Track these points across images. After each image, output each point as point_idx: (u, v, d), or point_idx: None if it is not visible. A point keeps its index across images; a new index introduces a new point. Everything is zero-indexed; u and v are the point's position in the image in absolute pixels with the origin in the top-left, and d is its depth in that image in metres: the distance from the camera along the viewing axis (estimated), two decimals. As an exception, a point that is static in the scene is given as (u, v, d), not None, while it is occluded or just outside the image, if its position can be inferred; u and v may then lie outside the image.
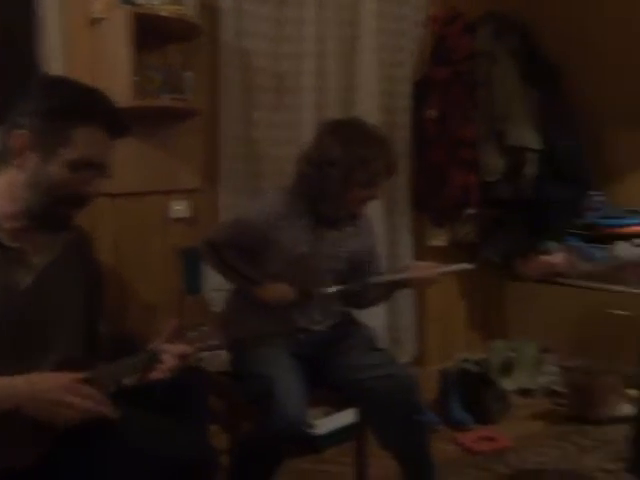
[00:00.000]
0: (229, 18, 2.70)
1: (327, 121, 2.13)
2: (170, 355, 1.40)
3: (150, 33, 2.44)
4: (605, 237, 3.23)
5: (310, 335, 2.09)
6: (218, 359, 2.12)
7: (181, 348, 1.42)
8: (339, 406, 2.56)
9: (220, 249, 2.06)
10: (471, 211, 3.29)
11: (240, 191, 2.83)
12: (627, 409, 2.81)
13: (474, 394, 2.91)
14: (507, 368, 3.22)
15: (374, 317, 3.03)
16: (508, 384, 3.17)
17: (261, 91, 2.81)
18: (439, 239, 3.38)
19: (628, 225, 3.23)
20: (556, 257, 3.37)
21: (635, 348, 2.22)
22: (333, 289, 2.06)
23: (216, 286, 2.43)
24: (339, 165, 1.93)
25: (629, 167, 3.42)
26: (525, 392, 3.15)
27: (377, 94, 3.08)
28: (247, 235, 2.02)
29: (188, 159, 2.75)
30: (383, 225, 3.21)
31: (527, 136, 3.20)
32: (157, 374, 1.39)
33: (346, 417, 2.53)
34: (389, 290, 2.19)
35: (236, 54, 2.73)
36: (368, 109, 3.03)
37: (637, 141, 3.36)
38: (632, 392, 2.87)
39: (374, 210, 3.12)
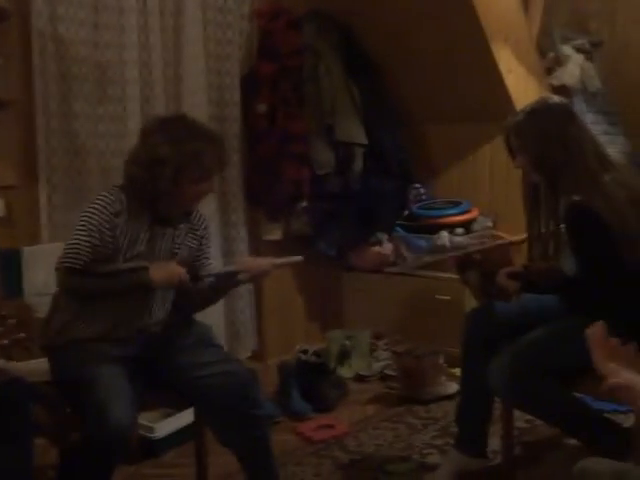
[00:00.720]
0: (40, 2, 2.55)
1: (151, 119, 2.09)
2: None
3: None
4: (429, 227, 3.43)
5: (145, 336, 2.04)
6: (40, 368, 2.01)
7: None
8: (178, 407, 2.51)
9: (83, 267, 1.90)
10: (304, 205, 3.35)
11: (64, 188, 2.70)
12: (452, 387, 3.01)
13: (312, 384, 2.97)
14: (344, 356, 3.33)
15: (212, 314, 3.00)
16: (345, 372, 3.28)
17: (81, 81, 2.69)
18: (274, 233, 3.42)
19: (448, 215, 3.45)
20: (386, 248, 3.53)
21: (457, 330, 2.38)
22: (212, 278, 2.05)
23: (38, 290, 2.30)
24: (169, 163, 1.88)
25: (446, 161, 3.67)
26: (361, 378, 3.27)
27: (205, 87, 3.05)
28: (102, 239, 1.91)
29: (1, 153, 2.57)
30: (217, 221, 3.19)
31: (354, 131, 3.32)
32: None
33: (185, 417, 2.49)
34: (223, 286, 2.18)
35: (51, 41, 2.59)
36: (196, 102, 3.00)
37: (452, 136, 3.60)
38: (456, 371, 3.08)
39: (207, 206, 3.11)
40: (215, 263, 2.26)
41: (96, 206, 1.93)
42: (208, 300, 2.18)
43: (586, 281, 1.98)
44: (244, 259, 2.17)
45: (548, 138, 2.02)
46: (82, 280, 1.92)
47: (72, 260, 1.90)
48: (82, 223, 1.92)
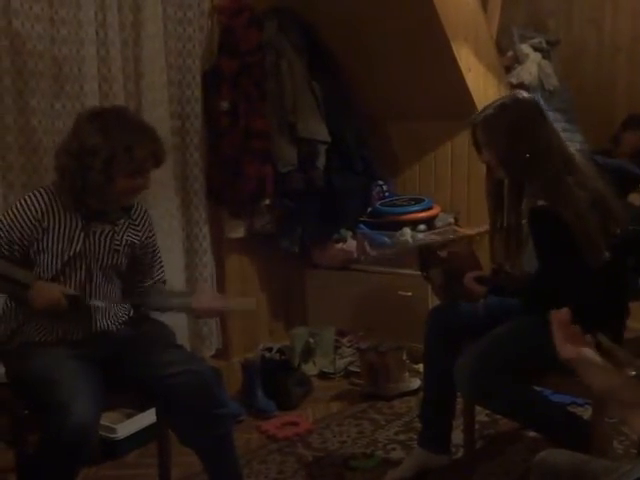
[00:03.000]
0: (-6, -4, 2.49)
1: (86, 110, 2.06)
2: None
3: None
4: (391, 224, 3.45)
5: (103, 336, 2.01)
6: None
7: None
8: (140, 407, 2.49)
9: None
10: (267, 202, 3.34)
11: (20, 186, 2.63)
12: (415, 383, 3.04)
13: (276, 381, 2.97)
14: (308, 354, 3.33)
15: (174, 314, 2.98)
16: (309, 369, 3.28)
17: (38, 77, 2.62)
18: (237, 231, 3.39)
19: (411, 212, 3.48)
20: (349, 245, 3.54)
21: (420, 326, 2.40)
22: (101, 303, 1.99)
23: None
24: (100, 153, 1.85)
25: (409, 158, 3.69)
26: (325, 375, 3.27)
27: (165, 84, 3.01)
28: (13, 237, 1.90)
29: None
30: (179, 219, 3.16)
31: (316, 128, 3.31)
32: None
33: (148, 418, 2.46)
34: (169, 310, 2.16)
35: (5, 36, 2.53)
36: (156, 99, 2.96)
37: (413, 134, 3.63)
38: (419, 367, 3.11)
39: (169, 204, 3.09)
40: (167, 252, 2.23)
41: (22, 201, 1.92)
42: (156, 309, 2.18)
43: (547, 280, 2.00)
44: (201, 295, 2.13)
45: (516, 135, 2.01)
46: None
47: None
48: (2, 214, 1.92)
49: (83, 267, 1.96)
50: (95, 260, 1.98)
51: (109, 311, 2.03)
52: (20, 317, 1.96)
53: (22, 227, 1.90)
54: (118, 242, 2.01)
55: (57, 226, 1.92)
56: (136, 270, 2.10)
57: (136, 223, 2.07)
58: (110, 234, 2.00)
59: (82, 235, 1.95)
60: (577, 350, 1.22)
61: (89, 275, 1.98)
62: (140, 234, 2.07)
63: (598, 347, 1.27)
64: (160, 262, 2.18)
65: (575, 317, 1.33)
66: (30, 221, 1.91)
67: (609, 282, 1.98)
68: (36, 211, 1.91)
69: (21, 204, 1.93)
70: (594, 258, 1.92)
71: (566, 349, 1.23)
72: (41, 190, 1.95)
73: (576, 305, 1.40)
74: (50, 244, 1.92)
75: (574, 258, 1.93)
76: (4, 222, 1.91)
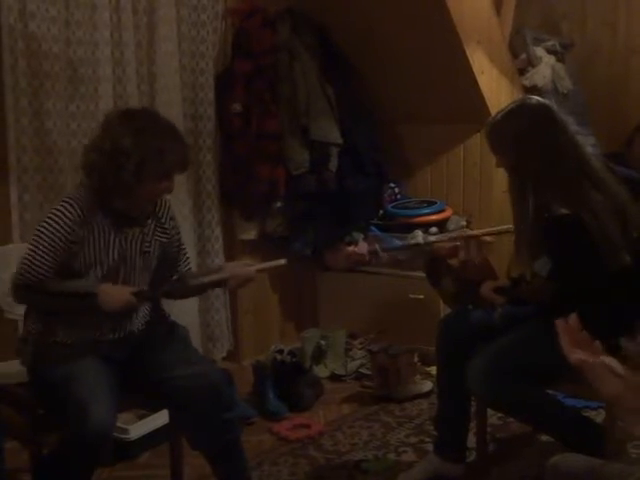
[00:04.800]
0: (10, -2, 2.51)
1: (116, 110, 2.06)
2: None
3: None
4: (403, 227, 3.44)
5: (127, 336, 2.01)
6: (11, 370, 1.99)
7: None
8: (153, 408, 2.50)
9: (38, 284, 1.87)
10: (279, 204, 3.35)
11: (36, 187, 2.66)
12: (427, 386, 3.04)
13: (288, 383, 2.97)
14: (319, 356, 3.33)
15: (187, 315, 3.00)
16: (320, 371, 3.28)
17: (53, 79, 2.65)
18: (249, 233, 3.41)
19: (423, 215, 3.48)
20: (361, 247, 3.54)
21: (431, 328, 2.39)
22: (162, 289, 2.03)
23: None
24: (133, 155, 1.85)
25: (421, 160, 3.69)
26: (336, 377, 3.27)
27: (179, 85, 3.03)
28: (56, 257, 1.88)
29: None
30: (192, 220, 3.17)
31: (329, 131, 3.31)
32: None
33: (160, 419, 2.47)
34: (203, 289, 2.18)
35: (21, 38, 2.55)
36: (170, 100, 2.98)
37: (426, 137, 3.62)
38: (430, 369, 3.10)
39: (182, 206, 3.10)
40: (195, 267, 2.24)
41: (54, 217, 1.88)
42: (189, 295, 2.20)
43: (571, 293, 1.97)
44: (231, 266, 2.13)
45: (524, 140, 1.98)
46: (31, 297, 1.91)
47: (25, 276, 1.88)
48: (38, 235, 1.89)
49: (121, 273, 1.96)
50: (131, 264, 1.98)
51: (138, 311, 2.03)
52: (46, 317, 1.96)
53: (63, 243, 1.87)
54: (148, 244, 2.01)
55: (92, 237, 1.91)
56: (164, 265, 2.09)
57: (162, 221, 2.07)
58: (140, 237, 2.00)
59: (117, 242, 1.95)
60: (588, 355, 1.21)
61: (127, 280, 1.98)
62: (168, 233, 2.08)
63: (610, 353, 1.26)
64: (186, 255, 2.19)
65: (594, 322, 1.32)
66: (67, 239, 1.87)
67: (629, 286, 1.96)
68: (73, 223, 1.88)
69: (55, 220, 1.88)
70: (615, 261, 1.89)
71: (575, 354, 1.22)
72: (69, 202, 1.90)
73: (596, 310, 1.39)
74: (89, 254, 1.91)
75: (596, 265, 1.91)
76: (44, 245, 1.87)
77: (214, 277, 2.10)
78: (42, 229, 1.89)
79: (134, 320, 2.03)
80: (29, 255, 1.88)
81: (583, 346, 1.24)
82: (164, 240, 2.06)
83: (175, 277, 2.14)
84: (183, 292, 2.15)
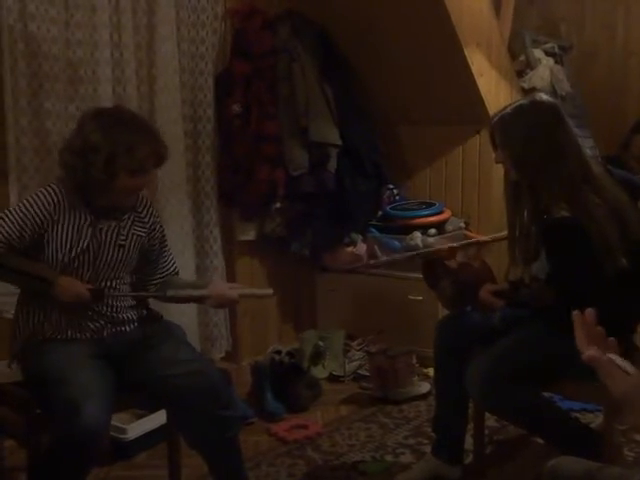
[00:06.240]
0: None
1: (89, 109, 2.08)
2: None
3: None
4: (402, 228, 3.45)
5: (118, 335, 2.02)
6: (7, 369, 1.99)
7: None
8: (151, 408, 2.50)
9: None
10: (278, 205, 3.35)
11: (35, 187, 2.65)
12: (425, 387, 3.04)
13: (286, 384, 2.97)
14: (317, 357, 3.33)
15: (185, 314, 3.00)
16: (319, 372, 3.28)
17: (52, 80, 2.65)
18: (248, 234, 3.41)
19: (422, 216, 3.48)
20: (360, 248, 3.55)
21: (429, 330, 2.39)
22: (123, 292, 2.03)
23: (8, 290, 2.26)
24: (101, 151, 1.87)
25: (420, 162, 3.69)
26: (335, 378, 3.27)
27: (178, 87, 3.03)
28: (24, 232, 1.90)
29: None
30: (190, 221, 3.17)
31: (328, 132, 3.32)
32: None
33: (158, 419, 2.47)
34: (181, 301, 2.19)
35: (21, 39, 2.56)
36: (169, 102, 2.98)
37: (425, 138, 3.63)
38: (428, 371, 3.11)
39: (181, 206, 3.10)
40: (178, 254, 2.24)
41: (33, 196, 1.93)
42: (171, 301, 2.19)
43: (570, 296, 1.97)
44: (216, 285, 2.14)
45: (531, 137, 1.98)
46: None
47: None
48: (11, 208, 1.93)
49: (90, 263, 1.97)
50: (102, 256, 1.99)
51: (125, 309, 2.04)
52: (38, 316, 1.97)
53: (34, 219, 1.90)
54: (124, 237, 2.02)
55: (66, 221, 1.94)
56: (144, 264, 2.11)
57: (142, 216, 2.08)
58: (116, 229, 2.01)
59: (90, 230, 1.96)
60: (601, 352, 1.21)
61: (95, 271, 1.99)
62: (146, 228, 2.08)
63: (623, 350, 1.27)
64: (170, 255, 2.19)
65: (605, 321, 1.32)
66: (42, 214, 1.91)
67: (626, 290, 1.97)
68: (48, 204, 1.92)
69: (33, 198, 1.94)
70: (612, 265, 1.90)
71: (588, 350, 1.22)
72: (51, 186, 1.97)
73: (607, 309, 1.38)
74: (58, 238, 1.93)
75: (594, 268, 1.92)
76: (16, 215, 1.91)
77: (194, 293, 2.11)
78: (18, 204, 1.95)
79: (121, 318, 2.03)
80: None
81: (597, 341, 1.24)
82: (142, 234, 2.06)
83: (156, 276, 2.14)
84: (161, 298, 2.15)
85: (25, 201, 1.94)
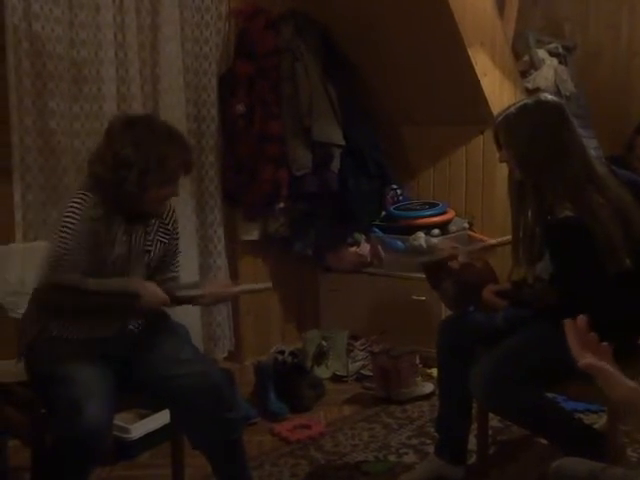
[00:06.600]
0: (14, -1, 2.52)
1: (117, 118, 2.06)
2: None
3: None
4: (405, 228, 3.45)
5: (123, 335, 2.02)
6: (13, 369, 1.99)
7: None
8: (154, 408, 2.50)
9: (71, 280, 1.86)
10: (282, 205, 3.35)
11: (39, 187, 2.67)
12: (428, 388, 3.04)
13: (289, 384, 2.97)
14: (321, 357, 3.33)
15: (189, 314, 3.00)
16: (322, 372, 3.28)
17: (57, 79, 2.65)
18: (251, 234, 3.41)
19: (425, 217, 3.47)
20: (363, 248, 3.55)
21: (433, 330, 2.39)
22: (189, 292, 2.05)
23: (13, 289, 2.27)
24: (134, 166, 1.87)
25: (423, 162, 3.69)
26: (338, 378, 3.27)
27: (182, 86, 3.04)
28: (82, 250, 1.88)
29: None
30: (194, 221, 3.18)
31: (331, 132, 3.32)
32: None
33: (161, 419, 2.47)
34: (181, 302, 2.16)
35: (25, 38, 2.56)
36: (173, 102, 2.99)
37: (428, 138, 3.62)
38: (432, 371, 3.11)
39: (185, 206, 3.10)
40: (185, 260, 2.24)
41: (76, 211, 1.88)
42: None
43: (575, 296, 1.96)
44: (213, 283, 2.14)
45: (535, 136, 1.97)
46: (68, 297, 1.87)
47: (56, 274, 1.85)
48: (64, 231, 1.87)
49: (122, 269, 1.97)
50: (133, 262, 2.00)
51: None
52: (47, 315, 1.96)
53: (86, 236, 1.88)
54: (150, 242, 2.03)
55: (102, 229, 1.93)
56: (160, 268, 2.10)
57: (166, 222, 2.08)
58: (143, 235, 2.02)
59: (125, 238, 1.97)
60: (597, 358, 1.22)
61: (127, 276, 1.98)
62: (169, 235, 2.09)
63: (625, 354, 1.27)
64: (178, 262, 2.19)
65: (596, 326, 1.32)
66: (89, 228, 1.89)
67: (630, 291, 1.96)
68: (91, 219, 1.89)
69: (75, 214, 1.88)
70: (615, 265, 1.90)
71: (584, 357, 1.22)
72: (86, 195, 1.91)
73: (599, 314, 1.39)
74: (97, 246, 1.92)
75: (597, 268, 1.91)
76: (71, 238, 1.86)
77: (191, 291, 2.10)
78: (66, 223, 1.88)
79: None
80: (58, 251, 1.85)
81: (591, 347, 1.24)
82: (165, 241, 2.08)
83: (157, 277, 2.12)
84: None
85: (70, 219, 1.88)
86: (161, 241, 2.06)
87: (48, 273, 1.87)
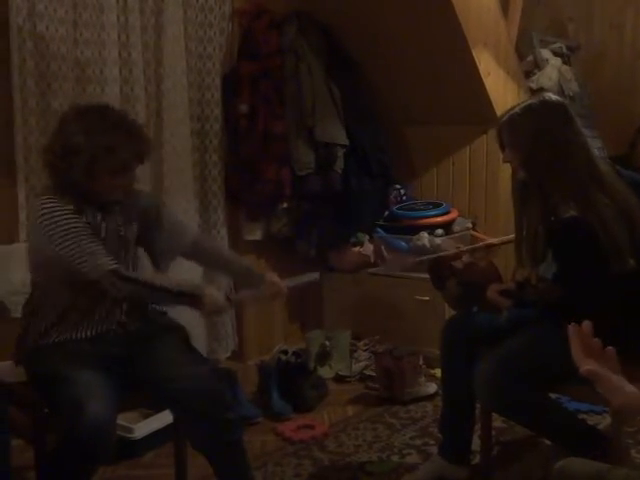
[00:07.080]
0: (19, -1, 2.52)
1: (72, 107, 2.05)
2: None
3: None
4: (409, 228, 3.44)
5: (122, 334, 2.02)
6: (16, 369, 2.00)
7: None
8: (158, 407, 2.50)
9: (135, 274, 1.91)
10: (285, 205, 3.35)
11: (43, 188, 2.66)
12: (431, 388, 3.04)
13: (292, 384, 2.97)
14: (324, 357, 3.33)
15: (191, 314, 3.00)
16: (325, 372, 3.28)
17: (60, 79, 2.65)
18: (254, 234, 3.41)
19: (428, 217, 3.47)
20: (366, 248, 3.54)
21: (436, 330, 2.39)
22: (240, 295, 2.10)
23: (15, 289, 2.27)
24: (82, 154, 1.86)
25: (427, 162, 3.69)
26: (341, 379, 3.27)
27: (185, 86, 3.04)
28: (88, 235, 1.89)
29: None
30: (197, 220, 3.17)
31: (335, 132, 3.32)
32: None
33: (165, 418, 2.47)
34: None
35: (29, 38, 2.57)
36: (177, 101, 2.99)
37: (432, 138, 3.62)
38: (435, 372, 3.10)
39: (188, 206, 3.11)
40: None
41: (55, 213, 1.87)
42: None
43: (579, 296, 1.96)
44: (273, 282, 2.12)
45: (539, 137, 1.97)
46: (138, 288, 1.89)
47: (108, 262, 1.86)
48: (64, 232, 1.86)
49: (113, 252, 1.95)
50: (111, 249, 1.96)
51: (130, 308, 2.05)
52: (51, 316, 1.97)
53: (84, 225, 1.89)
54: (120, 227, 2.02)
55: (86, 219, 1.93)
56: (165, 238, 2.10)
57: (132, 204, 2.05)
58: (114, 220, 2.00)
59: (104, 224, 1.97)
60: (599, 365, 1.21)
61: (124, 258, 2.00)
62: (141, 215, 2.07)
63: (628, 359, 1.26)
64: (183, 222, 2.21)
65: (599, 328, 1.32)
66: (77, 218, 1.89)
67: (634, 291, 1.96)
68: (64, 208, 1.88)
69: (58, 213, 1.87)
70: (619, 266, 1.89)
71: (586, 364, 1.22)
72: (47, 200, 1.90)
73: (602, 316, 1.38)
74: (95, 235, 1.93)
75: (601, 269, 1.91)
76: (74, 236, 1.86)
77: (256, 293, 2.11)
78: (62, 226, 1.86)
79: (126, 318, 2.03)
80: (78, 249, 1.85)
81: (594, 353, 1.24)
82: (136, 218, 2.06)
83: (187, 240, 2.13)
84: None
85: (56, 220, 1.86)
86: (133, 223, 2.05)
87: (90, 269, 1.84)
